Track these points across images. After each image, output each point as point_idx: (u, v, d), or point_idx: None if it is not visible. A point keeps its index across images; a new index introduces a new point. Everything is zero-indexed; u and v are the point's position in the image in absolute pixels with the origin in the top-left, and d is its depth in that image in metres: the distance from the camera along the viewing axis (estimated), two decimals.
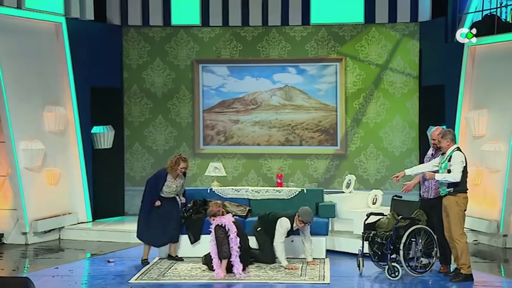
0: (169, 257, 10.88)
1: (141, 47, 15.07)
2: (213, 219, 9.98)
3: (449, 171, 9.48)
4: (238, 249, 9.82)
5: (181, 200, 10.89)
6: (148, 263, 10.61)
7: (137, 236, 10.89)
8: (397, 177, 9.96)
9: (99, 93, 14.00)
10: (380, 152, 14.77)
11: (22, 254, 11.84)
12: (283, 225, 10.34)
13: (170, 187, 10.67)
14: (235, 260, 9.80)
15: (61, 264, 10.87)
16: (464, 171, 9.55)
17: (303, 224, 10.33)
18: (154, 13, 14.94)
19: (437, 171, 9.61)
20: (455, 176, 9.44)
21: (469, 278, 9.58)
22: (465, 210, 9.60)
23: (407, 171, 9.96)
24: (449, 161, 9.52)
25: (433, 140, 10.13)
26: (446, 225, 9.60)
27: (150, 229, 10.72)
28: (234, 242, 9.81)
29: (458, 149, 9.63)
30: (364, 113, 14.79)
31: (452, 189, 9.50)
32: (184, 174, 10.84)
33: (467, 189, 9.63)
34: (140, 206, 10.97)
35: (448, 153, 9.58)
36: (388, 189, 13.94)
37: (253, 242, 10.61)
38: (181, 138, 15.14)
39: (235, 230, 9.88)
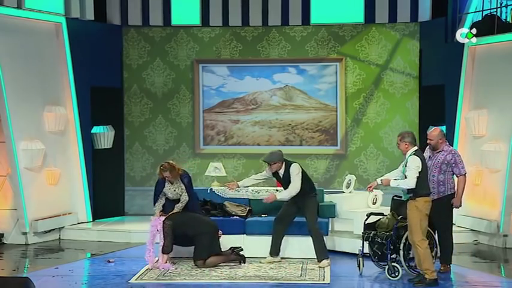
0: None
1: (141, 47, 15.07)
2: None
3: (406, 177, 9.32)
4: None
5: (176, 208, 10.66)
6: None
7: None
8: (371, 187, 9.92)
9: (99, 93, 13.99)
10: (380, 152, 14.78)
11: (22, 254, 11.84)
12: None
13: (169, 190, 10.65)
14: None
15: (61, 264, 10.87)
16: (424, 175, 9.35)
17: (268, 166, 10.53)
18: (154, 13, 14.94)
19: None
20: (409, 182, 9.22)
21: (434, 283, 9.32)
22: (427, 214, 9.37)
23: (379, 180, 9.72)
24: (406, 165, 9.36)
25: (430, 140, 10.13)
26: (409, 229, 9.44)
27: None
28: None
29: (416, 152, 9.40)
30: (364, 113, 14.79)
31: (412, 194, 9.33)
32: (182, 177, 10.73)
33: (428, 193, 9.44)
34: None
35: (406, 157, 9.42)
36: (388, 189, 13.93)
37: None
38: (181, 138, 15.14)
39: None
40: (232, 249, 10.62)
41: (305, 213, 10.55)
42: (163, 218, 10.39)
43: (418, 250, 9.29)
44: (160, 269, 10.24)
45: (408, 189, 9.30)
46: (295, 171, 10.49)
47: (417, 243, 9.27)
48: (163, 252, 10.30)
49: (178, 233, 10.32)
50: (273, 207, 11.18)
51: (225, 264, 10.43)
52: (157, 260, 10.38)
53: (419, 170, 9.26)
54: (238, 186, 10.85)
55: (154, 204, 10.70)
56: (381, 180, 9.63)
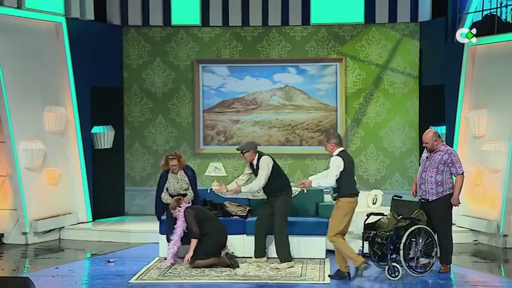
0: None
1: (141, 47, 15.07)
2: (177, 209, 10.39)
3: None
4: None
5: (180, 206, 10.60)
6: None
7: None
8: (303, 184, 9.88)
9: (99, 93, 13.99)
10: (380, 152, 14.78)
11: (22, 254, 11.84)
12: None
13: (171, 182, 10.67)
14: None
15: (61, 264, 10.87)
16: (347, 175, 9.53)
17: (241, 155, 10.47)
18: (155, 13, 14.94)
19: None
20: (328, 180, 9.50)
21: (347, 276, 9.65)
22: (351, 214, 9.61)
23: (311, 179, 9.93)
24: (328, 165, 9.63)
25: (426, 143, 10.15)
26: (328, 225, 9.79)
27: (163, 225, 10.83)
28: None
29: (339, 153, 9.62)
30: (364, 113, 14.79)
31: (337, 194, 9.58)
32: (186, 169, 10.80)
33: (352, 194, 9.61)
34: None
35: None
36: (388, 189, 13.96)
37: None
38: (181, 138, 15.14)
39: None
40: (226, 254, 10.51)
41: (274, 212, 10.44)
42: (185, 205, 10.39)
43: (334, 245, 9.65)
44: (180, 262, 10.31)
45: (335, 189, 9.52)
46: (263, 165, 10.27)
47: (331, 239, 9.64)
48: (193, 238, 10.22)
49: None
50: None
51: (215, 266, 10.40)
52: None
53: (341, 169, 9.49)
54: (228, 190, 10.56)
55: (158, 197, 10.69)
56: (308, 181, 9.76)
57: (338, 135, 9.97)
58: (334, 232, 9.64)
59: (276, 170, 10.48)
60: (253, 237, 10.71)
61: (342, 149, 9.73)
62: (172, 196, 10.67)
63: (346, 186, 9.58)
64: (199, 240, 10.30)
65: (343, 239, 9.67)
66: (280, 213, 10.44)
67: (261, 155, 10.50)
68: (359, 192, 9.87)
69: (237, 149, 10.70)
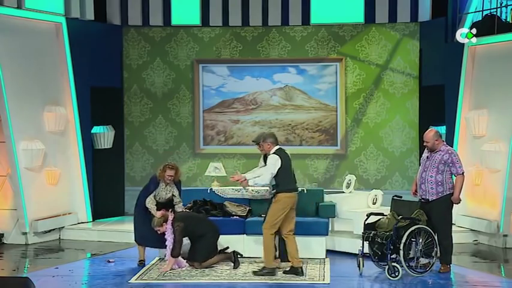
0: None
1: (141, 47, 15.07)
2: (164, 225, 10.25)
3: None
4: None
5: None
6: (145, 265, 10.58)
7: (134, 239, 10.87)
8: (235, 178, 10.04)
9: (99, 93, 13.99)
10: (380, 152, 14.78)
11: (22, 254, 11.84)
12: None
13: (159, 193, 10.60)
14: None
15: (61, 264, 10.87)
16: (285, 172, 9.79)
17: (257, 146, 10.31)
18: (155, 13, 14.94)
19: None
20: (264, 178, 9.82)
21: (272, 271, 9.85)
22: (288, 210, 9.81)
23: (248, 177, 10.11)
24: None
25: (426, 142, 10.15)
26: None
27: (143, 231, 10.63)
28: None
29: (276, 151, 9.87)
30: (364, 113, 14.79)
31: (276, 190, 9.87)
32: (178, 184, 10.71)
33: (290, 189, 9.86)
34: (134, 209, 10.87)
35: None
36: (388, 189, 13.96)
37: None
38: (181, 138, 15.15)
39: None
40: (233, 252, 10.54)
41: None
42: (170, 218, 10.29)
43: (263, 237, 9.89)
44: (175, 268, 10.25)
45: (273, 186, 9.88)
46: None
47: (264, 231, 9.89)
48: (173, 256, 10.16)
49: (185, 234, 10.29)
50: None
51: (221, 262, 10.47)
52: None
53: (278, 167, 9.76)
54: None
55: (145, 201, 10.55)
56: (244, 179, 9.97)
57: (273, 134, 10.28)
58: (268, 224, 9.89)
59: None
60: (278, 240, 10.41)
61: (279, 147, 10.02)
62: (156, 205, 10.60)
63: (284, 183, 9.86)
64: (199, 242, 10.31)
65: (274, 236, 9.91)
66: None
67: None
68: (297, 189, 10.09)
69: (253, 141, 10.57)
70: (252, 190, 11.63)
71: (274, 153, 9.90)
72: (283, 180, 9.84)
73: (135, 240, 10.80)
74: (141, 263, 10.63)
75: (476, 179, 12.44)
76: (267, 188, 10.74)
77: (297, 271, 9.88)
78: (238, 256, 10.51)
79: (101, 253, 11.70)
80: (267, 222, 9.95)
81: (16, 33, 12.44)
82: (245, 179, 9.97)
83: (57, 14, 13.12)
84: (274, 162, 9.80)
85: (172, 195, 10.63)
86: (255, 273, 9.93)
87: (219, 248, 10.61)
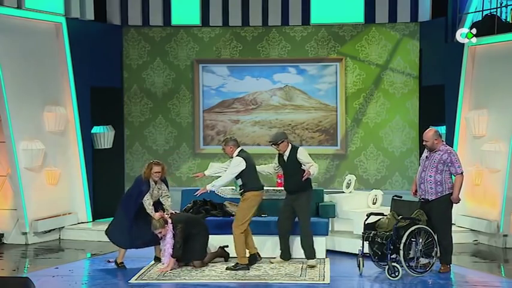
0: (156, 258, 10.80)
1: (141, 47, 15.07)
2: (166, 227, 10.27)
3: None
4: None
5: (168, 213, 10.47)
6: (125, 268, 10.53)
7: (112, 238, 10.71)
8: (197, 176, 10.75)
9: (99, 93, 14.00)
10: (380, 152, 14.78)
11: (22, 254, 11.85)
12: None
13: (153, 193, 10.54)
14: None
15: (61, 264, 10.87)
16: (249, 172, 10.14)
17: (274, 147, 10.51)
18: (155, 13, 14.94)
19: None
20: (224, 179, 10.20)
21: (245, 267, 10.16)
22: (254, 206, 10.20)
23: (207, 172, 10.71)
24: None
25: (426, 141, 10.15)
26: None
27: (130, 234, 10.52)
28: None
29: (239, 153, 10.20)
30: (364, 113, 14.79)
31: (243, 189, 10.23)
32: (164, 180, 10.67)
33: (255, 188, 10.22)
34: (119, 211, 10.75)
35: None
36: (388, 189, 13.96)
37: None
38: (181, 138, 15.15)
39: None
40: (220, 247, 10.75)
41: (296, 210, 10.44)
42: (169, 220, 10.30)
43: (233, 235, 10.20)
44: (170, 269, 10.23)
45: (241, 186, 10.22)
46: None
47: (234, 229, 10.21)
48: (174, 257, 10.20)
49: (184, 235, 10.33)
50: (273, 207, 11.17)
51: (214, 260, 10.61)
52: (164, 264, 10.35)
53: (243, 168, 10.13)
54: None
55: (135, 205, 10.47)
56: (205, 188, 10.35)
57: (234, 138, 10.66)
58: (238, 223, 10.20)
59: (297, 166, 10.41)
60: (278, 238, 10.66)
61: (241, 148, 10.37)
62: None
63: (251, 181, 10.23)
64: (194, 241, 10.34)
65: (243, 234, 10.21)
66: (305, 211, 10.44)
67: (295, 146, 10.60)
68: (263, 186, 10.39)
69: (269, 141, 10.69)
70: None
71: (238, 155, 10.23)
72: (249, 179, 10.22)
73: (121, 246, 10.60)
74: (122, 265, 10.54)
75: (476, 179, 12.44)
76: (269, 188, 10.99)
77: (238, 267, 10.19)
78: (226, 246, 10.73)
79: (101, 253, 11.70)
80: (236, 220, 10.27)
81: (16, 33, 12.44)
82: (204, 174, 10.62)
83: (57, 14, 13.12)
84: (238, 164, 10.16)
85: (162, 190, 10.60)
86: (228, 268, 10.19)
87: (218, 246, 10.75)
